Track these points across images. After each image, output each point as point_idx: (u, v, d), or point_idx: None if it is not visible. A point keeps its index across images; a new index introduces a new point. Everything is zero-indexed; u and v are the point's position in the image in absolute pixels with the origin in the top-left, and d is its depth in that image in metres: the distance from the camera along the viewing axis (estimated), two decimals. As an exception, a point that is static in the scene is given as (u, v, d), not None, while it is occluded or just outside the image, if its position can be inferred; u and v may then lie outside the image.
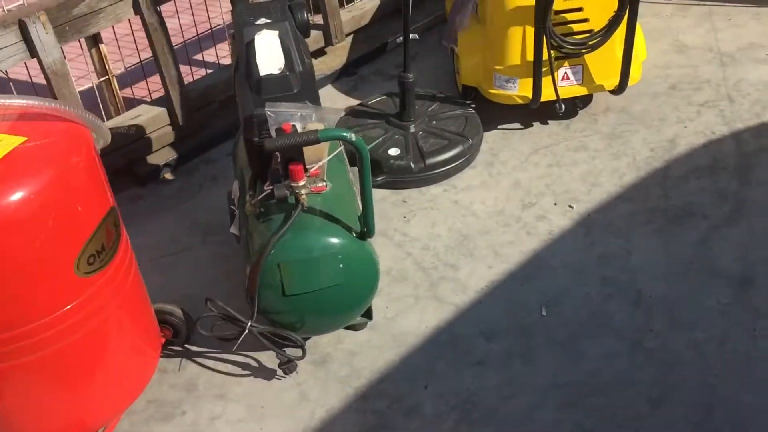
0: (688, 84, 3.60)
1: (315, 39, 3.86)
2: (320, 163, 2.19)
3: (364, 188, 2.17)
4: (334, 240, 2.21)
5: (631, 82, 3.38)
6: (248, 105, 2.26)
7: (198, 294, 2.59)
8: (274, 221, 2.23)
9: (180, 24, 3.75)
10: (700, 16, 4.15)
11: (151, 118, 3.32)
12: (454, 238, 2.90)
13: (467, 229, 2.93)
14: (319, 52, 3.97)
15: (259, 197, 2.19)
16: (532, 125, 3.46)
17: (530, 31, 3.12)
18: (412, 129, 3.28)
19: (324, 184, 2.16)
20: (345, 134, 2.05)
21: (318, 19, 3.92)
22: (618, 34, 3.20)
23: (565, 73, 3.30)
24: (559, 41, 3.11)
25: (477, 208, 3.03)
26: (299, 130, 2.18)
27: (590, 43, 3.14)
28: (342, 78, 4.00)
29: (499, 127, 3.48)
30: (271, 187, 2.12)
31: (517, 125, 3.47)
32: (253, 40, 2.29)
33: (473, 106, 3.50)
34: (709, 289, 2.56)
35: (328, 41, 3.87)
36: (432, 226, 2.97)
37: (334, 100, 3.81)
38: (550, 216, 2.95)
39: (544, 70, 3.21)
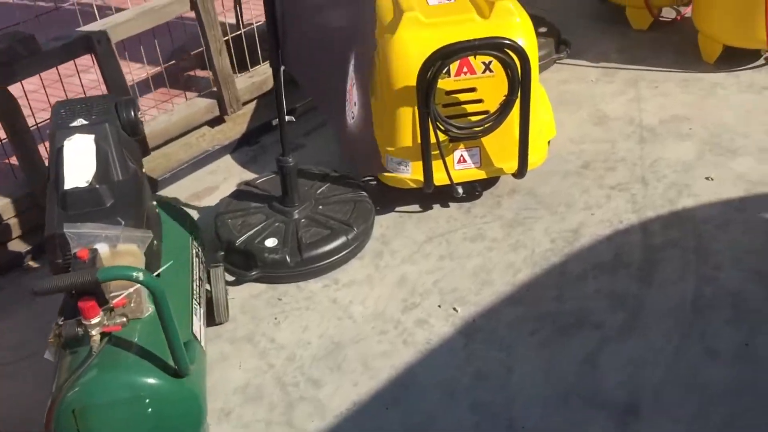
0: (603, 162, 3.36)
1: (209, 108, 3.62)
2: (127, 292, 1.93)
3: (166, 328, 1.90)
4: (142, 380, 1.94)
5: (535, 164, 3.15)
6: (52, 221, 2.00)
7: (21, 416, 2.33)
8: (79, 355, 1.96)
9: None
10: (626, 82, 3.93)
11: (8, 202, 3.05)
12: (324, 346, 2.63)
13: (340, 335, 2.67)
14: (217, 120, 3.72)
15: (55, 331, 1.93)
16: (432, 208, 3.21)
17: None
18: (296, 215, 3.02)
19: (125, 320, 1.89)
20: (132, 273, 1.78)
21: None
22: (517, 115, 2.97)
23: (461, 155, 3.05)
24: (445, 126, 2.87)
25: (355, 309, 2.76)
26: (103, 253, 1.92)
27: (481, 128, 2.91)
28: (242, 148, 3.76)
29: (396, 209, 3.22)
30: (62, 323, 1.86)
31: (416, 207, 3.22)
32: (62, 147, 2.04)
33: (374, 182, 3.26)
34: (589, 421, 2.29)
35: (223, 110, 3.63)
36: (303, 331, 2.70)
37: (230, 173, 3.57)
38: (432, 320, 2.68)
39: (436, 153, 2.98)
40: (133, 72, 3.66)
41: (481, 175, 3.10)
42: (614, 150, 3.43)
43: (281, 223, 3.00)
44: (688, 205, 3.07)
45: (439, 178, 3.05)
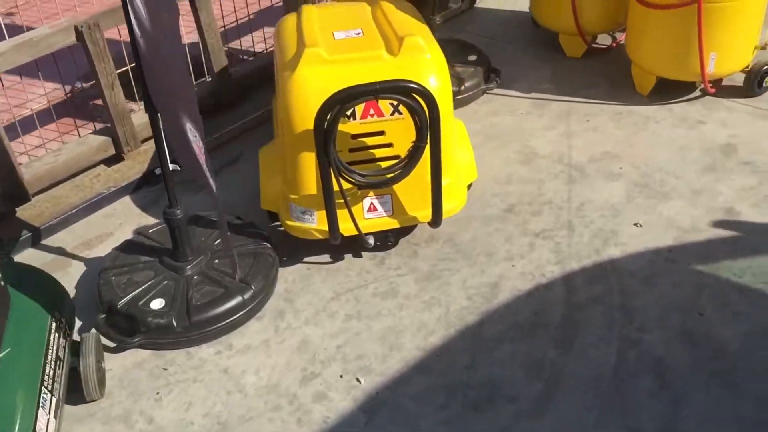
0: (528, 205, 3.15)
1: (102, 146, 3.31)
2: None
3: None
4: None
5: (453, 211, 2.91)
6: None
7: None
8: None
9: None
10: (557, 115, 3.72)
11: None
12: (208, 427, 2.35)
13: (228, 413, 2.39)
14: (115, 158, 3.42)
15: None
16: (343, 258, 2.96)
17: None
18: (188, 272, 2.73)
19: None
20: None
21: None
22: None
23: (372, 203, 2.80)
24: (349, 174, 2.62)
25: (248, 381, 2.49)
26: None
27: (388, 176, 2.66)
28: (144, 188, 3.45)
29: (305, 259, 2.96)
30: None
31: (326, 258, 2.96)
32: None
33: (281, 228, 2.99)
34: None
35: (119, 149, 3.32)
36: (187, 409, 2.41)
37: (128, 217, 3.26)
38: (332, 394, 2.42)
39: (342, 201, 2.73)
40: (35, 99, 3.35)
41: (393, 224, 2.85)
42: (541, 191, 3.22)
43: (171, 281, 2.71)
44: (615, 255, 2.86)
45: (348, 228, 2.79)
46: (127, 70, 3.39)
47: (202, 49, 3.53)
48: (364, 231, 2.82)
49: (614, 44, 4.25)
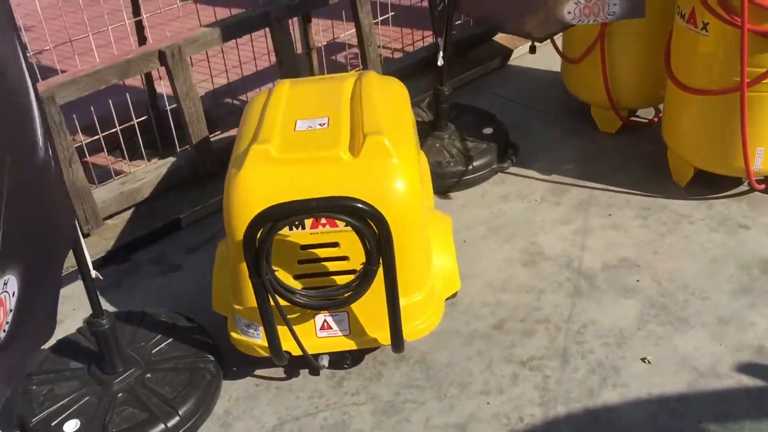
0: (521, 322, 2.71)
1: (62, 225, 3.07)
2: None
3: None
4: None
5: (424, 331, 2.50)
6: None
7: None
8: None
9: None
10: (576, 205, 3.26)
11: None
12: None
13: None
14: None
15: None
16: (298, 374, 2.59)
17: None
18: (115, 386, 2.42)
19: None
20: None
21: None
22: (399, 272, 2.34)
23: (325, 321, 2.44)
24: (288, 296, 2.26)
25: None
26: None
27: (337, 298, 2.29)
28: (111, 266, 3.20)
29: (256, 371, 2.62)
30: None
31: (279, 372, 2.61)
32: None
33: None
34: None
35: (80, 227, 3.08)
36: None
37: (83, 303, 2.94)
38: None
39: (295, 315, 2.38)
40: None
41: (350, 345, 2.46)
42: (539, 304, 2.77)
43: (94, 397, 2.41)
44: (611, 400, 2.39)
45: (297, 348, 2.44)
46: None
47: (181, 118, 3.26)
48: (317, 351, 2.45)
49: (656, 118, 3.76)
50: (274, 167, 2.31)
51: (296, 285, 2.34)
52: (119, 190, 3.16)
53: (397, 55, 4.38)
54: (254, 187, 2.29)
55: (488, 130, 3.61)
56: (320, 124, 2.47)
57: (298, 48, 3.75)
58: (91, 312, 2.40)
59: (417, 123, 3.57)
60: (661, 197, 3.25)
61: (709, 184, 3.21)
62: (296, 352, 2.44)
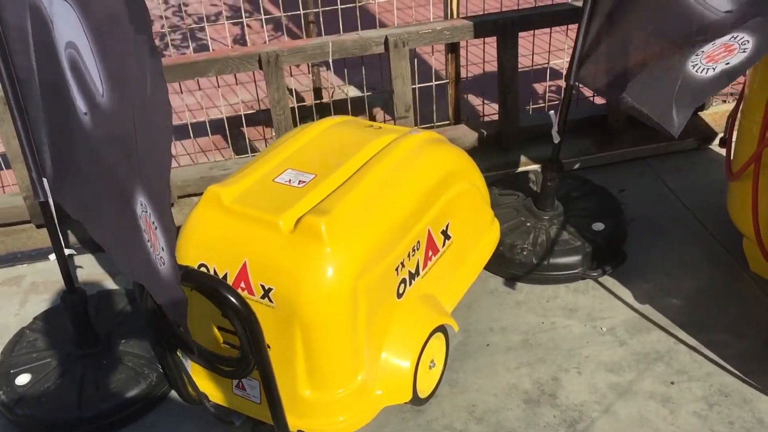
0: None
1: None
2: None
3: None
4: None
5: (344, 431, 2.25)
6: None
7: None
8: None
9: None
10: (641, 353, 2.58)
11: None
12: None
13: None
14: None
15: None
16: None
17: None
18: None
19: None
20: None
21: None
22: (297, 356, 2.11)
23: (240, 381, 2.31)
24: (183, 351, 2.16)
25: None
26: None
27: (220, 367, 2.12)
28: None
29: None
30: None
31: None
32: None
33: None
34: None
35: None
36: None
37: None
38: None
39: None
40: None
41: (258, 415, 2.31)
42: (501, 456, 2.31)
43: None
44: None
45: (217, 397, 2.36)
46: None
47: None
48: (232, 407, 2.35)
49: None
50: (217, 215, 2.22)
51: (218, 335, 2.27)
52: (201, 175, 3.31)
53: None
54: (194, 229, 2.24)
55: (598, 226, 3.02)
56: (301, 181, 2.30)
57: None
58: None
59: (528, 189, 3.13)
60: (754, 387, 2.45)
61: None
62: (214, 398, 2.39)
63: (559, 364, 2.61)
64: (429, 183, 2.43)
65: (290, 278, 2.06)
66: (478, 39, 3.41)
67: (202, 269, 2.17)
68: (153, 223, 1.93)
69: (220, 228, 2.20)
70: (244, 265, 2.11)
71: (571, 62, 2.76)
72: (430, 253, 2.49)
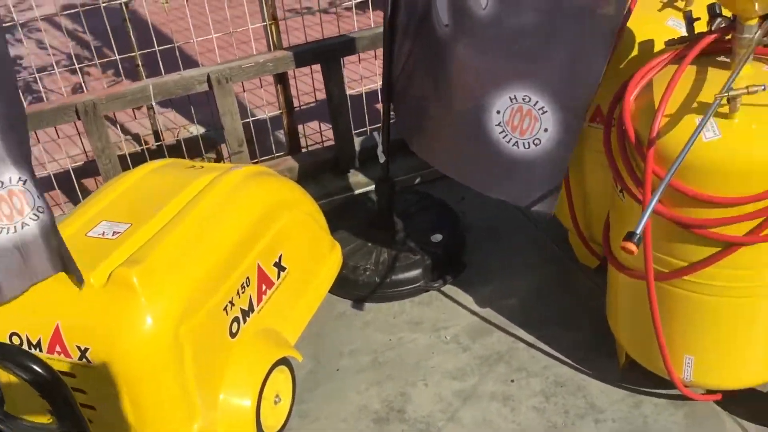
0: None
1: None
2: None
3: None
4: None
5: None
6: None
7: None
8: None
9: None
10: (484, 356, 2.66)
11: None
12: None
13: None
14: None
15: None
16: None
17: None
18: None
19: None
20: None
21: None
22: None
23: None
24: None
25: None
26: None
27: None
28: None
29: None
30: None
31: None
32: None
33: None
34: None
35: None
36: None
37: None
38: None
39: None
40: None
41: (96, 479, 2.25)
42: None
43: None
44: None
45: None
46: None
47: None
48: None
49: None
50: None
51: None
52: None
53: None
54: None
55: (437, 237, 3.12)
56: (115, 233, 2.25)
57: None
58: None
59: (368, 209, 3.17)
60: (586, 374, 2.58)
61: (650, 374, 2.49)
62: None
63: (407, 378, 2.66)
64: (252, 218, 2.43)
65: (105, 334, 2.00)
66: (305, 68, 3.46)
67: (15, 339, 2.08)
68: None
69: (30, 292, 2.10)
70: (57, 327, 2.03)
71: (384, 84, 2.85)
72: (264, 287, 2.49)
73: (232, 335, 2.33)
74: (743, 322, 2.12)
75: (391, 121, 2.94)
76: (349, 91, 3.55)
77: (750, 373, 2.23)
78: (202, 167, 2.65)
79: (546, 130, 2.05)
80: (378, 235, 3.13)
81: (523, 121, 2.01)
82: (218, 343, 2.27)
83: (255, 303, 2.43)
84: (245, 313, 2.38)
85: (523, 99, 1.98)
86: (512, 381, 2.60)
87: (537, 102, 2.01)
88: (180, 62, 3.38)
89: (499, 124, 2.11)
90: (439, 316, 2.91)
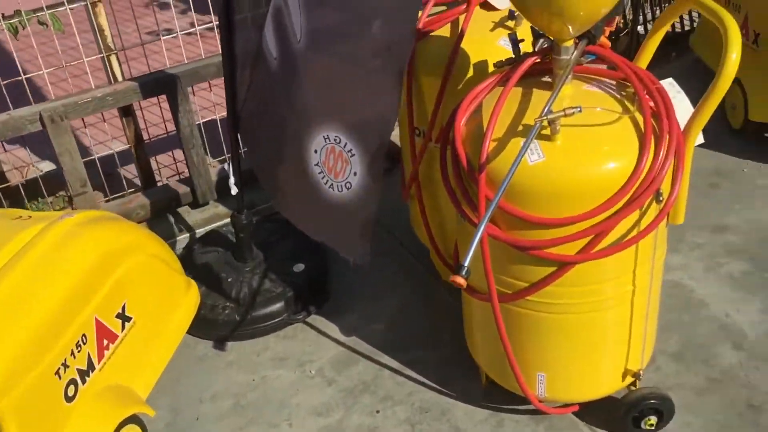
0: None
1: None
2: None
3: None
4: None
5: None
6: None
7: None
8: None
9: None
10: (349, 388, 2.60)
11: None
12: None
13: None
14: None
15: None
16: None
17: None
18: None
19: None
20: None
21: None
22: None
23: None
24: None
25: None
26: None
27: None
28: None
29: None
30: None
31: None
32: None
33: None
34: None
35: None
36: None
37: None
38: None
39: None
40: None
41: None
42: None
43: None
44: None
45: None
46: None
47: None
48: None
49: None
50: None
51: None
52: None
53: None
54: None
55: (299, 267, 3.03)
56: None
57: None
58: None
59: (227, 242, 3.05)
60: (450, 397, 2.56)
61: (510, 391, 2.49)
62: None
63: (270, 420, 2.56)
64: (83, 270, 2.26)
65: None
66: (152, 99, 3.30)
67: None
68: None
69: None
70: None
71: (228, 115, 2.74)
72: (106, 342, 2.33)
73: (69, 399, 2.16)
74: (589, 337, 2.15)
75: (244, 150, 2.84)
76: (202, 120, 3.42)
77: (600, 384, 2.26)
78: (30, 217, 2.46)
79: (355, 174, 1.99)
80: (238, 269, 3.01)
81: (336, 162, 1.95)
82: (52, 410, 2.10)
83: (95, 361, 2.27)
84: (83, 374, 2.22)
85: (335, 140, 1.93)
86: (377, 412, 2.55)
87: (346, 144, 1.95)
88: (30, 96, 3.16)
89: (317, 164, 2.05)
90: (304, 349, 2.83)
